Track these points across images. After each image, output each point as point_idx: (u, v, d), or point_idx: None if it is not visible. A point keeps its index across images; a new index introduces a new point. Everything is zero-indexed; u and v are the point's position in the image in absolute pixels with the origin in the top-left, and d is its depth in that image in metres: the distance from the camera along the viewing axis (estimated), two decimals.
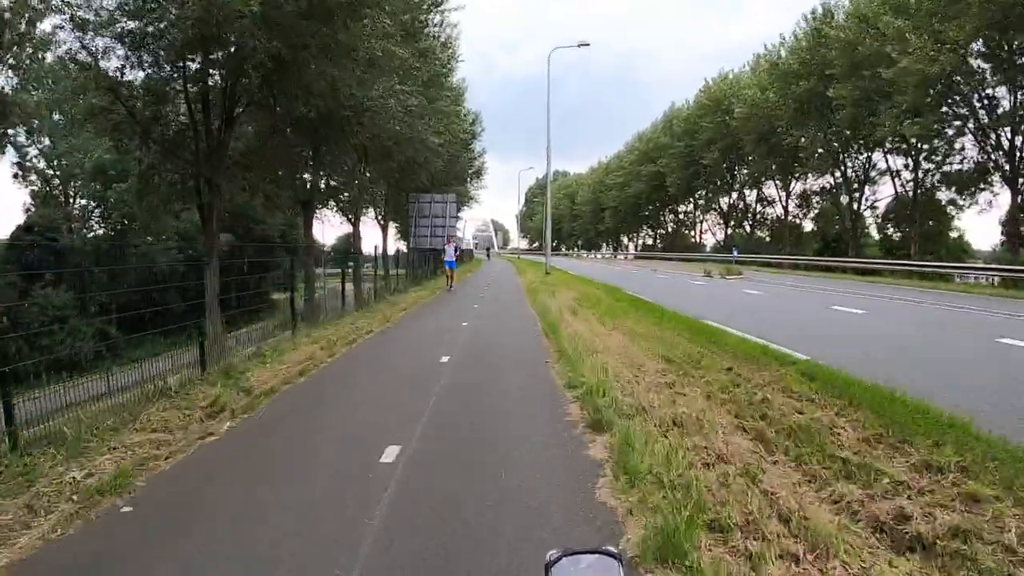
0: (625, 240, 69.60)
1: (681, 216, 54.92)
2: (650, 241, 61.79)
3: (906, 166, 29.09)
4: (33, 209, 33.36)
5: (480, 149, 39.28)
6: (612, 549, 0.73)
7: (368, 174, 30.27)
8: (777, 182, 38.08)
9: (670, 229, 57.51)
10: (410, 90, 15.60)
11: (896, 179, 31.06)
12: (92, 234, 36.41)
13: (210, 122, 13.84)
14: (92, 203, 35.78)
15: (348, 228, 30.74)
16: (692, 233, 53.24)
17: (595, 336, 7.15)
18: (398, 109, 15.39)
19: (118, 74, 9.60)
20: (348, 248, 31.46)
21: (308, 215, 19.78)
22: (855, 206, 34.02)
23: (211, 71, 11.04)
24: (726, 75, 40.63)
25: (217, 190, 14.68)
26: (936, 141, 25.47)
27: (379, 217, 32.59)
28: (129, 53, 9.48)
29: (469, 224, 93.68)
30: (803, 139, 30.35)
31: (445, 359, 6.67)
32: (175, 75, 10.91)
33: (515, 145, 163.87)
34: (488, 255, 46.54)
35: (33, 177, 34.24)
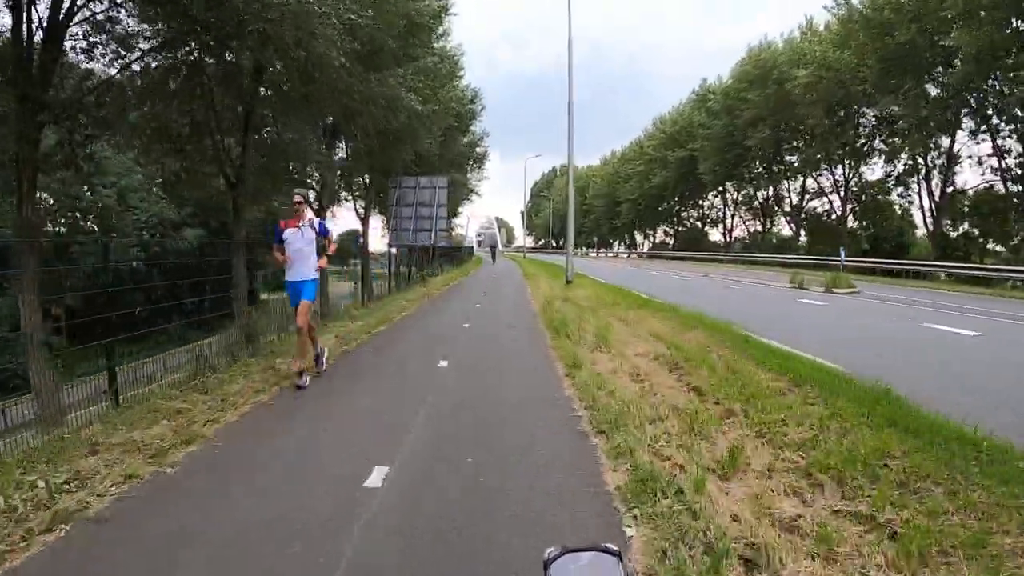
0: (640, 238, 62.97)
1: (706, 210, 48.13)
2: (666, 239, 55.08)
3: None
4: None
5: (481, 131, 33.14)
6: (611, 546, 0.68)
7: (340, 150, 24.29)
8: (845, 165, 31.38)
9: (693, 225, 50.80)
10: None
11: (985, 164, 24.56)
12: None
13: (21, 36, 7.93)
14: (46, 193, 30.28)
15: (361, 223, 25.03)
16: (720, 229, 46.51)
17: None
18: (327, 15, 9.50)
19: None
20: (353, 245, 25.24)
21: (238, 199, 13.74)
22: (936, 196, 27.31)
23: None
24: (770, 43, 33.92)
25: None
26: None
27: (358, 207, 27.03)
28: None
29: (472, 221, 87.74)
30: (896, 107, 23.61)
31: None
32: None
33: (518, 144, 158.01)
34: (493, 256, 39.00)
35: None
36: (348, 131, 18.86)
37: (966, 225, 27.80)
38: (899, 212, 31.96)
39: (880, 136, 28.85)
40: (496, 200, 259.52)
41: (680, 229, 52.34)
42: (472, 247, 65.59)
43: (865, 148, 29.67)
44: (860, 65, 24.10)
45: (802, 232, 37.00)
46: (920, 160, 26.84)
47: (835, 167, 32.06)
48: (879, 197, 32.15)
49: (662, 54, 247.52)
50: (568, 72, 15.76)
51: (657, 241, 57.72)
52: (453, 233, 64.82)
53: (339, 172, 24.66)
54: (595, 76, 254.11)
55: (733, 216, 44.06)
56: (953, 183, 26.51)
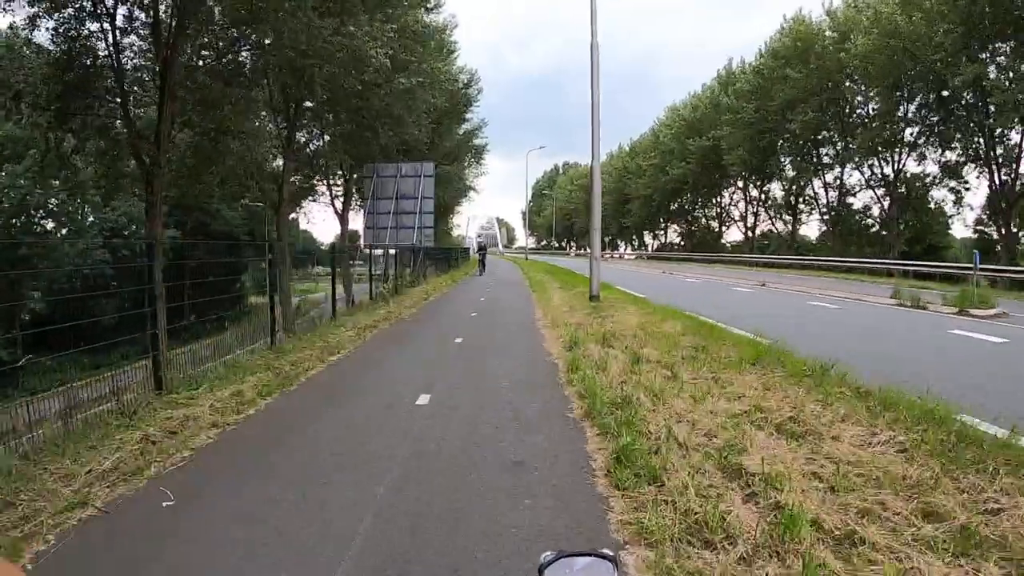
0: (650, 238, 58.68)
1: (724, 207, 43.80)
2: (681, 239, 50.73)
3: None
4: None
5: (479, 121, 29.92)
6: (607, 552, 0.66)
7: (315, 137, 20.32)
8: (895, 157, 27.16)
9: (709, 223, 46.56)
10: None
11: None
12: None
13: None
14: None
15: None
16: (741, 227, 42.19)
17: None
18: None
19: None
20: (343, 247, 21.18)
21: (153, 187, 10.57)
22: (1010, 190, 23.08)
23: None
24: (804, 16, 29.64)
25: None
26: None
27: (333, 200, 23.48)
28: None
29: (472, 222, 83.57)
30: (996, 73, 19.37)
31: None
32: None
33: (519, 144, 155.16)
34: (482, 262, 27.87)
35: None
36: (302, 93, 14.66)
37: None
38: (936, 210, 28.24)
39: (941, 122, 24.68)
40: (497, 201, 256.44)
41: (695, 228, 48.13)
42: (470, 248, 61.31)
43: (925, 138, 25.51)
44: (933, 30, 19.94)
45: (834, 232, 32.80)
46: (988, 148, 22.71)
47: (884, 157, 27.89)
48: (927, 194, 28.15)
49: (666, 55, 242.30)
50: (591, 22, 11.64)
51: (667, 241, 53.52)
52: (453, 234, 60.67)
53: (312, 162, 20.66)
54: (602, 75, 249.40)
55: (756, 213, 39.79)
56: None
